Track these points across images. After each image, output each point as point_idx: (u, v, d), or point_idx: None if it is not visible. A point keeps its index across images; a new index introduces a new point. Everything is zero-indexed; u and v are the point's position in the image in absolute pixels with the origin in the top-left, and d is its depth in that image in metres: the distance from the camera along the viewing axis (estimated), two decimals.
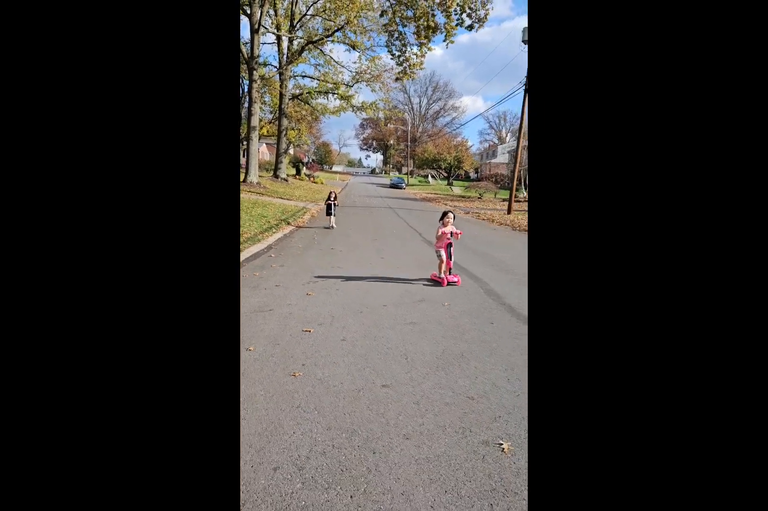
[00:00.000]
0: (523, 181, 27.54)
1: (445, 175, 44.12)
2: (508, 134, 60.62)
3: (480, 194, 28.40)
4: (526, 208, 19.80)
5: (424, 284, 4.80)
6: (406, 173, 53.43)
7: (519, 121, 16.41)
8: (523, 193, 26.95)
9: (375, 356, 2.73)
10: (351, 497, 1.49)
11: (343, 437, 1.84)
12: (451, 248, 4.91)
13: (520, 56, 15.45)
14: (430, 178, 49.56)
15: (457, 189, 34.96)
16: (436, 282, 4.88)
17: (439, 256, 4.95)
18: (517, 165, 16.77)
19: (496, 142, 57.86)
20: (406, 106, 65.26)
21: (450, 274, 4.93)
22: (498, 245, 8.29)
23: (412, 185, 41.78)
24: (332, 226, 9.25)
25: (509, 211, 16.04)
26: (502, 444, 1.83)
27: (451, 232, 4.87)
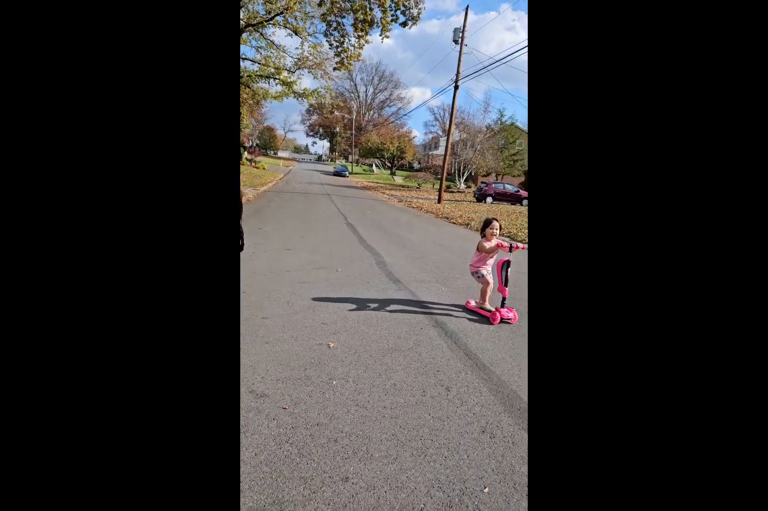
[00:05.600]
0: (457, 172, 29.23)
1: (389, 164, 45.25)
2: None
3: (419, 184, 29.78)
4: (458, 199, 21.32)
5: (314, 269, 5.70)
6: (352, 162, 53.97)
7: (459, 114, 17.58)
8: (457, 185, 28.68)
9: (265, 303, 3.63)
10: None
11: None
12: (509, 269, 3.33)
13: (453, 52, 16.57)
14: (374, 167, 50.49)
15: (399, 178, 36.25)
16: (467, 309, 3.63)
17: (480, 277, 3.48)
18: (447, 157, 18.07)
19: (440, 134, 59.52)
20: (352, 94, 65.29)
21: (503, 306, 3.33)
22: (413, 228, 9.42)
23: (357, 174, 42.50)
24: None
25: (439, 201, 17.38)
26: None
27: (511, 245, 3.39)
